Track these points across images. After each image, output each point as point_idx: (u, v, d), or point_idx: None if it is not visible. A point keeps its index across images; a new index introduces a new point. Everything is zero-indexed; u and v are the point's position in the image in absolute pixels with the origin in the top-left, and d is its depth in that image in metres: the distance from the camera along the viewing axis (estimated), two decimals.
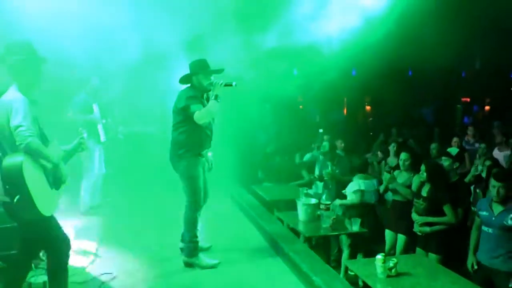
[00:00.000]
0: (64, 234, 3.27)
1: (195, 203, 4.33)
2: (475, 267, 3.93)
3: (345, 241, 5.43)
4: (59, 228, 3.25)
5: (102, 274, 4.06)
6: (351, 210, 5.45)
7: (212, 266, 4.35)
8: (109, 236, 5.23)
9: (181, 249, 4.54)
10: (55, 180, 3.22)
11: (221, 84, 4.23)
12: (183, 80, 4.41)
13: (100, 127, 6.09)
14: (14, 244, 3.38)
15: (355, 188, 5.48)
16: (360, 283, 3.77)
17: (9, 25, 4.73)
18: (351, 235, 5.18)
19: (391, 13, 7.36)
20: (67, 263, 3.25)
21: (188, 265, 4.34)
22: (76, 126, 3.78)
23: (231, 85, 4.26)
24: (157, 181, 7.54)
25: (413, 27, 8.88)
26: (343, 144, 7.14)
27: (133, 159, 7.68)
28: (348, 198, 5.51)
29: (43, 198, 3.00)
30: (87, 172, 6.11)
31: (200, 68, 4.32)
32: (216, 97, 4.20)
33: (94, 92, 6.15)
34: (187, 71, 4.38)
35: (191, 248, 4.35)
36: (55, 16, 5.31)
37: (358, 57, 9.19)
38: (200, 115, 4.13)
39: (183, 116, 4.23)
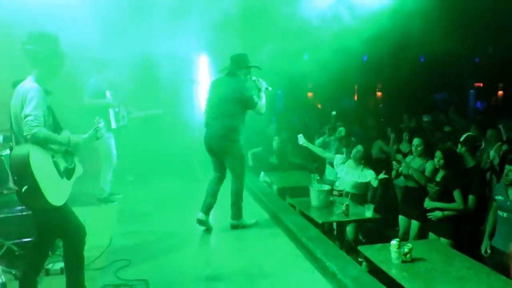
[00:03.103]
0: (79, 221, 3.30)
1: (243, 177, 4.99)
2: (489, 251, 3.91)
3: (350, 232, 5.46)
4: (73, 215, 3.27)
5: (117, 260, 4.09)
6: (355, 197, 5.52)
7: (255, 223, 5.11)
8: (124, 223, 5.28)
9: (200, 221, 4.91)
10: (67, 170, 3.24)
11: (267, 88, 5.04)
12: (227, 70, 4.91)
13: (111, 114, 6.08)
14: (30, 231, 3.42)
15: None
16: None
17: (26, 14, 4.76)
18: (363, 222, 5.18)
19: None
20: (82, 250, 3.28)
21: (235, 226, 4.99)
22: (90, 112, 3.78)
23: (267, 89, 5.08)
24: (169, 166, 7.65)
25: (425, 13, 8.74)
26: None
27: (143, 143, 7.70)
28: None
29: (53, 188, 3.02)
30: (106, 160, 6.12)
31: (247, 62, 4.89)
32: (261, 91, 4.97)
33: (104, 79, 6.10)
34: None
35: (239, 211, 5.00)
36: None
37: (370, 43, 9.08)
38: (261, 106, 4.85)
39: (241, 105, 4.76)
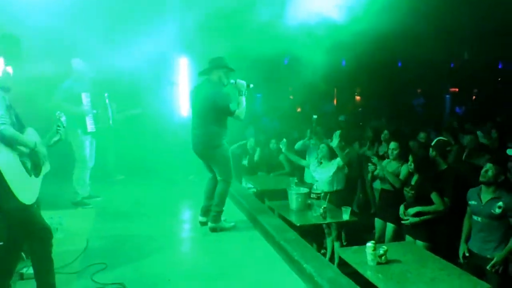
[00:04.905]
0: (45, 223, 3.26)
1: (229, 180, 5.08)
2: (467, 254, 4.01)
3: (333, 233, 5.51)
4: (38, 217, 3.24)
5: (94, 264, 4.04)
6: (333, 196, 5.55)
7: (233, 226, 5.17)
8: (102, 226, 5.22)
9: (202, 223, 5.20)
10: (34, 167, 3.21)
11: (248, 85, 4.94)
12: (203, 72, 4.97)
13: (88, 117, 5.97)
14: (1, 235, 3.36)
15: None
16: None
17: None
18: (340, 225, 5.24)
19: (381, 3, 7.38)
20: (50, 253, 3.24)
21: (213, 229, 5.01)
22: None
23: (249, 87, 5.00)
24: (149, 169, 7.64)
25: (402, 18, 8.90)
26: None
27: (127, 144, 7.64)
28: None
29: (22, 186, 3.00)
30: (79, 162, 6.03)
31: (223, 65, 4.88)
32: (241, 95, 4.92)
33: (81, 78, 5.96)
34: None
35: (219, 215, 5.04)
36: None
37: (348, 48, 9.20)
38: (240, 112, 4.85)
39: (219, 111, 4.79)
